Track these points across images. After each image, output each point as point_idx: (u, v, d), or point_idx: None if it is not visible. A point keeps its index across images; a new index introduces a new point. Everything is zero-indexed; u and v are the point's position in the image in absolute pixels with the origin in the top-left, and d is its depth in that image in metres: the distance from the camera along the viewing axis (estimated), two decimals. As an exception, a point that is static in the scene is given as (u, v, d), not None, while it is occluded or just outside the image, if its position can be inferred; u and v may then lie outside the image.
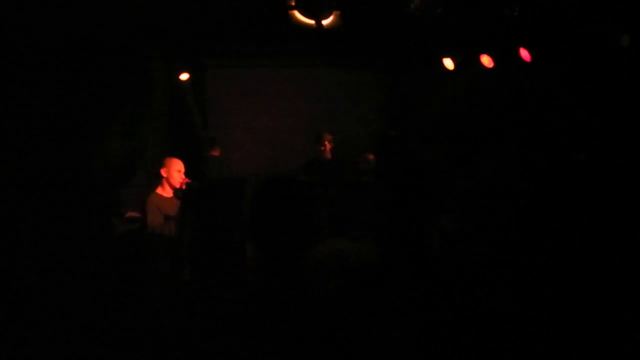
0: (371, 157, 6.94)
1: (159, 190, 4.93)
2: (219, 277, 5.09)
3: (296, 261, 4.55)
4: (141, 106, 5.25)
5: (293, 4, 5.27)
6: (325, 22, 5.33)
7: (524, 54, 6.17)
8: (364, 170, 6.88)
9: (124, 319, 4.05)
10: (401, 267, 4.66)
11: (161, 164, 4.95)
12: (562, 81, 6.09)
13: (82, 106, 3.75)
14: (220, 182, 5.63)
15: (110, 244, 4.10)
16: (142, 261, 4.73)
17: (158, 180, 4.93)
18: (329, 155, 7.04)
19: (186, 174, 5.85)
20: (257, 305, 4.24)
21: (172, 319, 4.26)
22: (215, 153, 6.71)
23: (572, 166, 5.91)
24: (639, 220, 4.86)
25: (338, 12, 5.34)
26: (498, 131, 6.64)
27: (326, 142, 6.99)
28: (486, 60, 6.46)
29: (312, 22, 5.29)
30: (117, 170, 4.27)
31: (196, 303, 4.56)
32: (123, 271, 4.40)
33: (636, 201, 5.10)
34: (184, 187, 5.00)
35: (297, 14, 5.30)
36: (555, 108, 6.22)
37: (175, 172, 4.96)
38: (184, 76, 6.76)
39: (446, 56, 6.73)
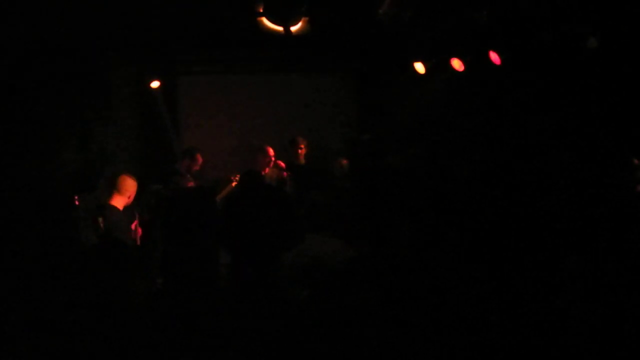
0: (345, 162, 6.95)
1: None
2: (191, 284, 5.06)
3: (270, 267, 4.51)
4: (99, 115, 5.20)
5: (261, 10, 5.26)
6: (293, 28, 5.31)
7: (494, 57, 6.21)
8: (338, 175, 6.89)
9: (95, 330, 4.00)
10: (373, 269, 4.68)
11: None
12: (531, 84, 6.14)
13: (37, 115, 3.69)
14: (190, 191, 5.58)
15: (75, 256, 4.04)
16: (113, 271, 4.68)
17: None
18: (302, 161, 7.05)
19: (158, 181, 5.85)
20: (230, 311, 4.20)
21: (145, 327, 4.23)
22: (196, 167, 6.62)
23: (545, 168, 5.97)
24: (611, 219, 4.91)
25: (306, 19, 5.33)
26: (470, 134, 6.68)
27: (302, 146, 7.00)
28: (457, 64, 6.49)
29: (280, 28, 5.27)
30: (75, 180, 4.19)
31: (169, 311, 4.53)
32: (91, 283, 4.35)
33: (606, 199, 5.16)
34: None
35: (266, 21, 5.29)
36: (525, 110, 6.27)
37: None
38: (155, 84, 6.71)
39: (417, 60, 6.75)
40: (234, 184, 6.21)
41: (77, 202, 4.66)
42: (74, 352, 3.63)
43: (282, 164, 6.68)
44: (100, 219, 4.45)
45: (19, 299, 3.69)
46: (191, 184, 6.30)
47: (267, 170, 6.61)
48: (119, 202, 4.78)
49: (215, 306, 4.67)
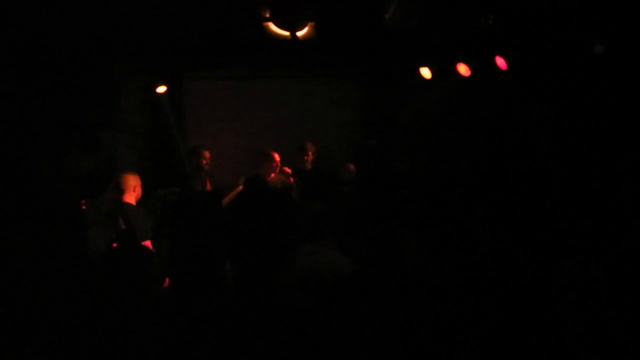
0: (352, 167, 6.95)
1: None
2: (197, 288, 5.06)
3: (272, 275, 4.50)
4: (106, 119, 5.24)
5: (268, 15, 5.26)
6: (300, 33, 5.32)
7: (500, 62, 6.21)
8: (345, 181, 6.88)
9: (102, 333, 4.00)
10: (378, 277, 4.67)
11: None
12: (537, 89, 6.14)
13: (43, 119, 3.70)
14: (197, 195, 5.59)
15: (83, 259, 4.05)
16: (120, 275, 4.69)
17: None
18: (310, 166, 7.04)
19: (165, 186, 5.87)
20: (235, 316, 4.20)
21: (151, 330, 4.23)
22: (204, 161, 6.70)
23: (551, 173, 5.96)
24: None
25: (313, 24, 5.33)
26: (476, 139, 6.67)
27: (309, 152, 7.00)
28: (463, 69, 6.49)
29: (287, 33, 5.27)
30: (83, 184, 4.23)
31: (175, 314, 4.53)
32: (99, 286, 4.35)
33: (611, 204, 5.15)
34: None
35: (272, 26, 5.29)
36: (531, 115, 6.26)
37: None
38: (161, 88, 6.73)
39: (423, 65, 6.75)
40: (241, 187, 6.22)
41: (84, 207, 4.71)
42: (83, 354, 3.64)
43: (289, 170, 6.67)
44: (120, 218, 4.65)
45: (24, 304, 3.70)
46: (208, 185, 6.34)
47: (272, 175, 6.61)
48: (130, 199, 5.02)
49: (220, 310, 4.66)
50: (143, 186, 5.21)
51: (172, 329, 4.32)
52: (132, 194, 5.06)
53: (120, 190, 5.00)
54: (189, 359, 3.96)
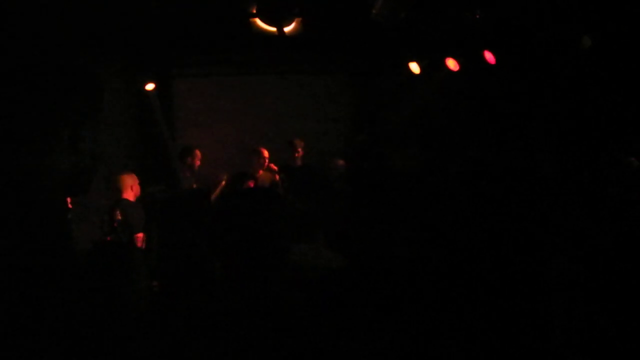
0: (342, 162, 6.95)
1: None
2: (185, 287, 5.05)
3: (262, 273, 4.47)
4: (90, 117, 5.24)
5: (254, 11, 5.23)
6: (287, 29, 5.29)
7: (489, 56, 6.21)
8: (335, 177, 6.88)
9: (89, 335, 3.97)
10: (369, 273, 4.65)
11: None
12: (526, 82, 6.14)
13: (25, 116, 3.67)
14: (185, 194, 5.58)
15: (70, 258, 4.03)
16: (106, 274, 4.67)
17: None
18: (299, 163, 7.03)
19: (153, 184, 5.87)
20: (224, 315, 4.18)
21: (139, 332, 4.21)
22: (198, 162, 6.71)
23: (541, 167, 5.96)
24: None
25: (300, 19, 5.30)
26: (465, 134, 6.67)
27: (299, 149, 6.99)
28: (452, 64, 6.49)
29: (273, 29, 5.25)
30: (67, 183, 4.22)
31: (164, 315, 4.51)
32: (85, 286, 4.33)
33: (602, 199, 5.14)
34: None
35: (259, 22, 5.26)
36: (519, 109, 6.27)
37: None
38: (150, 86, 6.71)
39: (412, 60, 6.75)
40: (223, 182, 6.26)
41: (70, 206, 4.72)
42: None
43: (275, 167, 6.68)
44: (118, 212, 4.83)
45: (8, 304, 3.67)
46: (193, 184, 6.36)
47: (260, 172, 6.60)
48: (128, 196, 5.21)
49: (210, 309, 4.64)
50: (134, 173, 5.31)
51: (160, 325, 4.30)
52: (130, 193, 5.21)
53: (118, 190, 5.17)
54: (178, 357, 3.93)
